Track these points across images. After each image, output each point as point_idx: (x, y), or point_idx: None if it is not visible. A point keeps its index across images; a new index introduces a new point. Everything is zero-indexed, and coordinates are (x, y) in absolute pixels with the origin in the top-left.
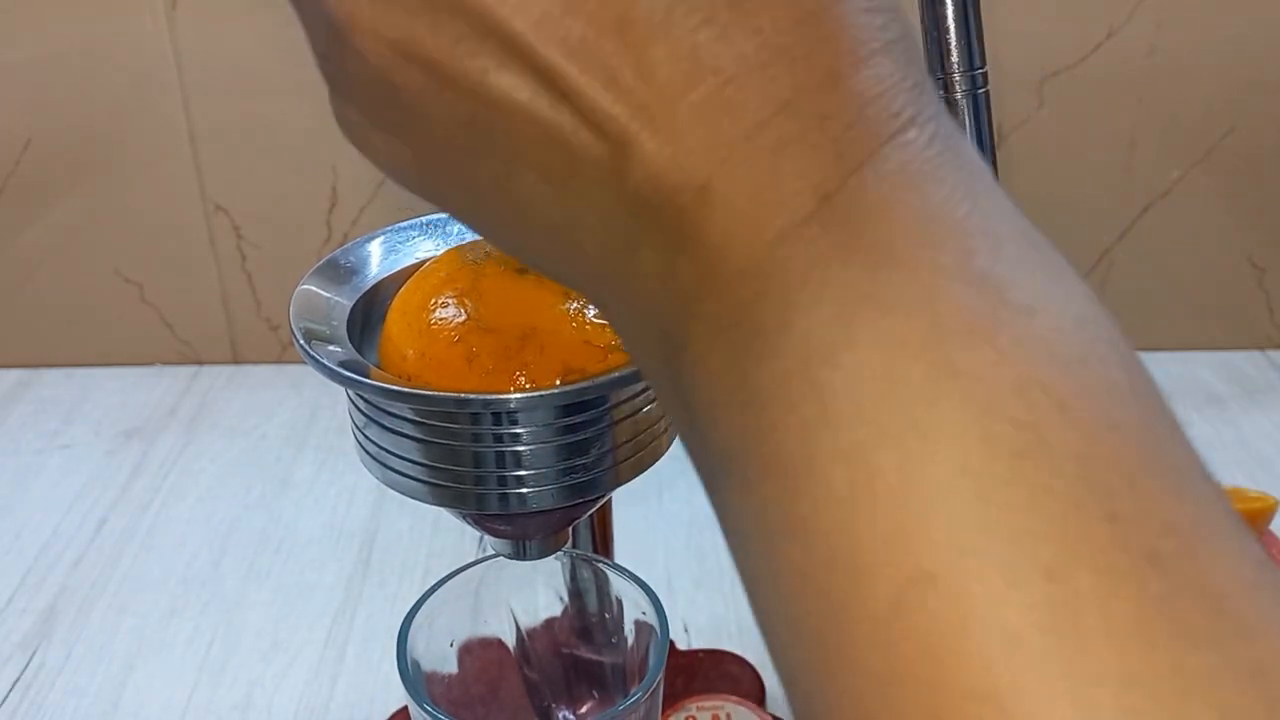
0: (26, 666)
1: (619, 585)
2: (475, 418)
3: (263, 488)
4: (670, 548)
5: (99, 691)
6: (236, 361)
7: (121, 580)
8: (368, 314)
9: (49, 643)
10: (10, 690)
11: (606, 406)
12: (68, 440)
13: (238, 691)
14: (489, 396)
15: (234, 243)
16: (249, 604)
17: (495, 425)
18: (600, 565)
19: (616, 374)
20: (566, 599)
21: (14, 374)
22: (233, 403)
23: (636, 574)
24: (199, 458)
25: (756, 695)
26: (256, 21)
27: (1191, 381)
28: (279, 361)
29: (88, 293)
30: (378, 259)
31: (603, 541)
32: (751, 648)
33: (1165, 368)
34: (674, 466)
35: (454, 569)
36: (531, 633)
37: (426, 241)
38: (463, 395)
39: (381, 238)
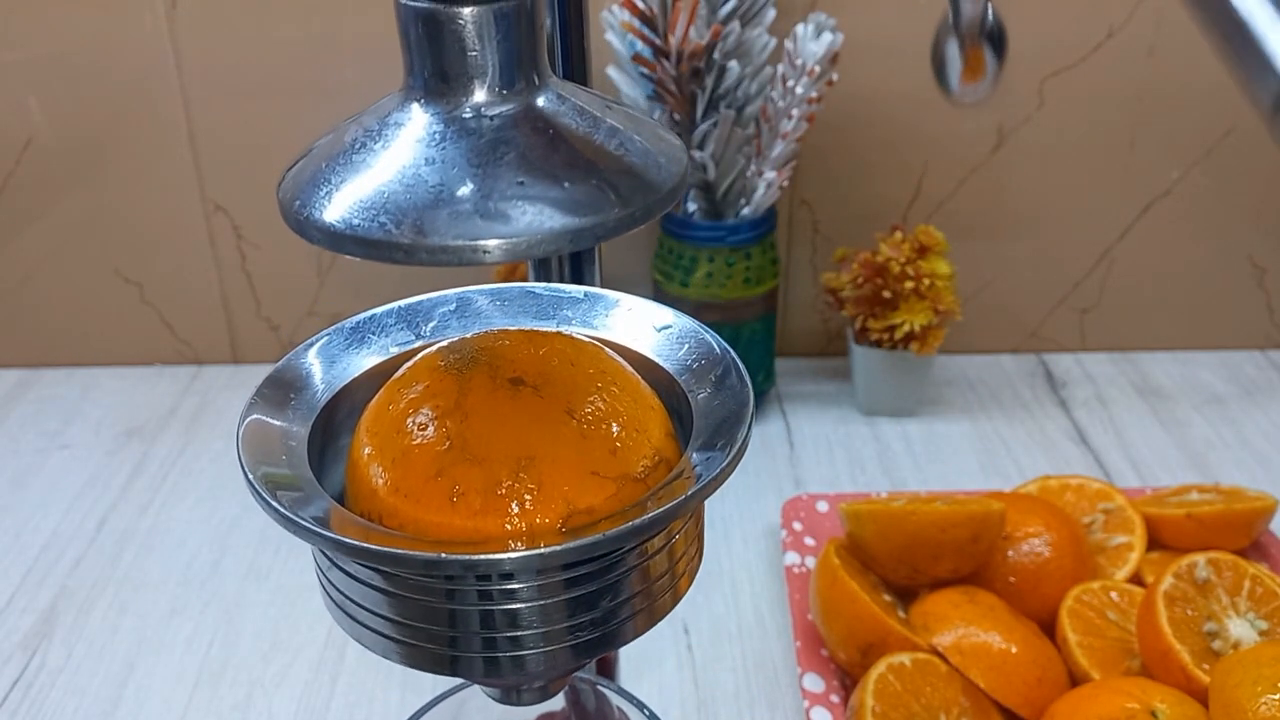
0: (26, 666)
1: (619, 704)
2: (455, 578)
3: None
4: None
5: (99, 691)
6: (236, 361)
7: (121, 580)
8: (329, 421)
9: (49, 643)
10: (10, 690)
11: (620, 553)
12: (68, 440)
13: (238, 692)
14: (470, 558)
15: (234, 243)
16: (249, 604)
17: (482, 583)
18: (601, 687)
19: (631, 524)
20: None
21: (14, 374)
22: (233, 403)
23: (636, 695)
24: (199, 458)
25: None
26: (256, 22)
27: (1191, 381)
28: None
29: (88, 293)
30: (321, 371)
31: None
32: (751, 648)
33: (1165, 368)
34: None
35: (433, 697)
36: None
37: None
38: (439, 557)
39: (320, 344)
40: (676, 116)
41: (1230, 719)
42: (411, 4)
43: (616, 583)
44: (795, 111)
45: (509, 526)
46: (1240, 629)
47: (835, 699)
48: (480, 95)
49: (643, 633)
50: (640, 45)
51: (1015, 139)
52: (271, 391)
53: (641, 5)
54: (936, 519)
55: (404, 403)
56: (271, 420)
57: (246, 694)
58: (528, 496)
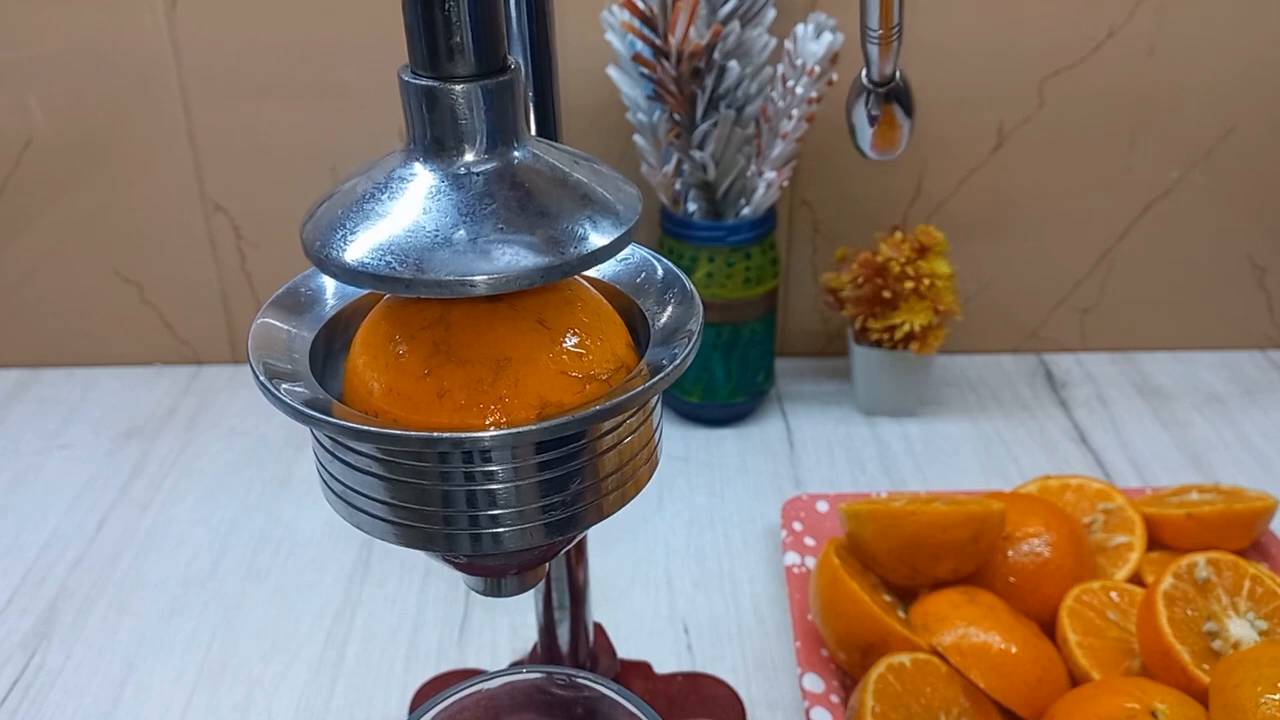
0: (26, 666)
1: (622, 704)
2: (445, 457)
3: (263, 488)
4: (670, 548)
5: (99, 691)
6: (236, 361)
7: (121, 580)
8: (330, 342)
9: (49, 643)
10: (10, 690)
11: (585, 441)
12: (68, 440)
13: (238, 692)
14: (460, 435)
15: (234, 243)
16: (249, 604)
17: (468, 464)
18: (603, 688)
19: (596, 408)
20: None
21: (14, 374)
22: (233, 403)
23: (639, 698)
24: (199, 458)
25: (736, 716)
26: (256, 22)
27: (1191, 381)
28: None
29: (88, 293)
30: (334, 286)
31: (577, 553)
32: (751, 648)
33: (1165, 368)
34: (674, 467)
35: (433, 697)
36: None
37: None
38: (432, 434)
39: None
40: (676, 116)
41: (1230, 719)
42: (414, 81)
43: (582, 467)
44: (795, 111)
45: (489, 420)
46: (1240, 629)
47: (835, 699)
48: (470, 155)
49: (608, 515)
50: (640, 45)
51: (1015, 139)
52: (281, 305)
53: (641, 5)
54: (936, 519)
55: (395, 317)
56: (280, 324)
57: (246, 694)
58: (505, 393)
